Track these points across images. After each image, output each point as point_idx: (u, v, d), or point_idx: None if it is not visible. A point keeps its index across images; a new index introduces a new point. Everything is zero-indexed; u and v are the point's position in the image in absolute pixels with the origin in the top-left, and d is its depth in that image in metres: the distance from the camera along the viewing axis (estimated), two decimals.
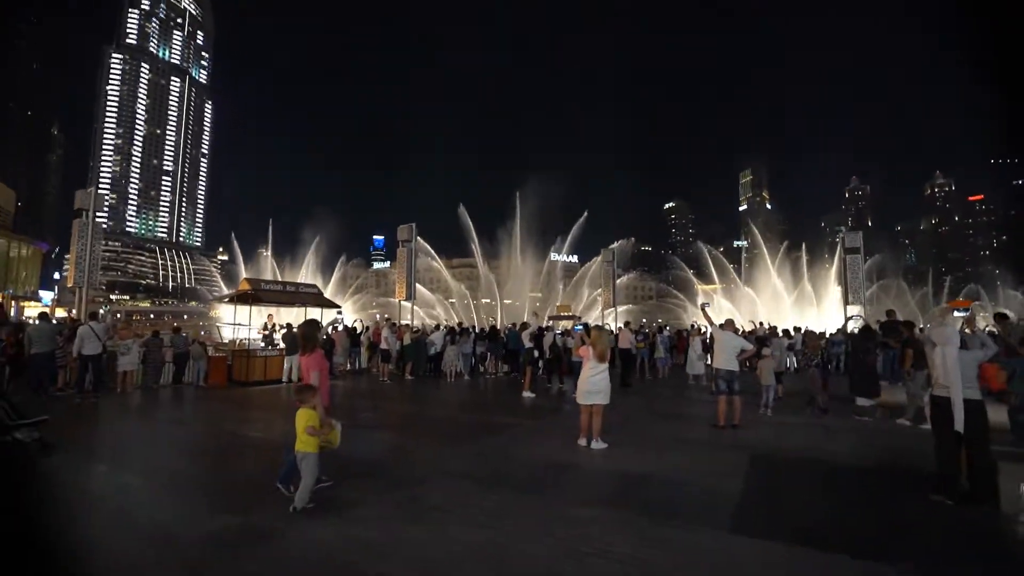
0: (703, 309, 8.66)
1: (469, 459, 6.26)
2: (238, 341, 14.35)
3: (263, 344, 14.78)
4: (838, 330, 20.06)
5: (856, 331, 11.48)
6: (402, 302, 21.32)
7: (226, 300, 16.68)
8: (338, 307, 16.51)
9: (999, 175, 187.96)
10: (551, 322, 22.98)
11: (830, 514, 4.53)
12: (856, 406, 9.31)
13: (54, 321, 13.20)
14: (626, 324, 16.33)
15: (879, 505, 4.78)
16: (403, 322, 19.46)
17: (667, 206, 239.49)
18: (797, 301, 44.14)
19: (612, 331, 15.89)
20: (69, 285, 15.94)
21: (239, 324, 15.34)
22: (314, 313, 16.31)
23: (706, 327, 14.53)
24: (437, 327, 17.25)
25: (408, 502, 4.60)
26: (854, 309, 21.39)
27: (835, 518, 4.43)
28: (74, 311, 15.46)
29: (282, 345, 14.38)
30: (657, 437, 7.53)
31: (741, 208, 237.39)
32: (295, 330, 14.32)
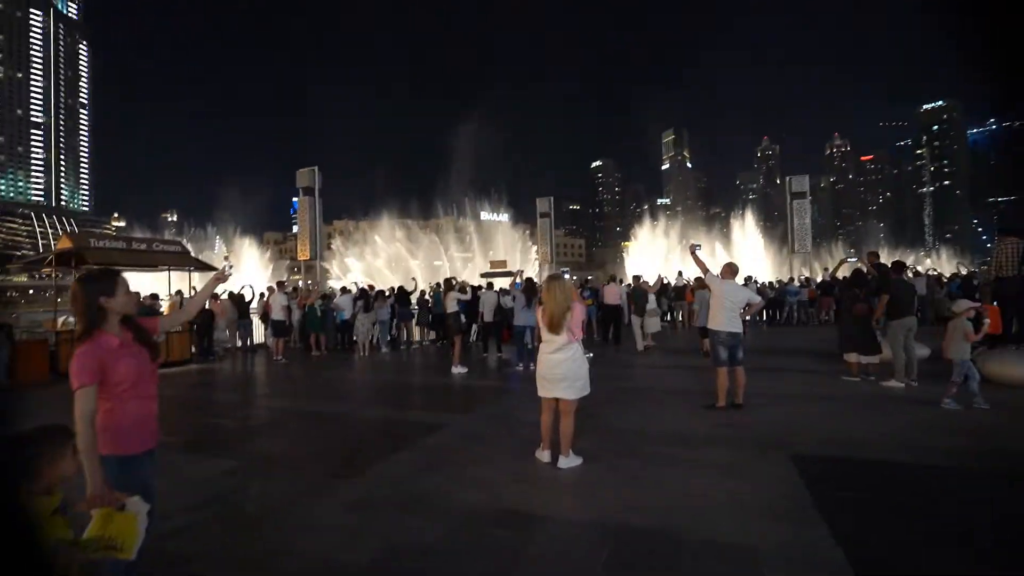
0: (693, 252, 6.32)
1: (342, 516, 3.48)
2: (61, 321, 10.57)
3: None
4: (798, 279, 18.50)
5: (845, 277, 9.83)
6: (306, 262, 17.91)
7: (39, 265, 12.52)
8: (213, 268, 12.91)
9: (887, 136, 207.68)
10: (484, 280, 20.38)
11: None
12: (847, 364, 7.55)
13: None
14: (611, 278, 14.14)
15: None
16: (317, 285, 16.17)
17: (594, 164, 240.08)
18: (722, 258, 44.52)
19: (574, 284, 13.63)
20: None
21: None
22: (179, 278, 12.73)
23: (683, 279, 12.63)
24: (344, 290, 14.15)
25: None
26: (799, 259, 20.50)
27: None
28: None
29: None
30: (647, 437, 5.12)
31: (664, 167, 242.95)
32: (145, 300, 10.82)
